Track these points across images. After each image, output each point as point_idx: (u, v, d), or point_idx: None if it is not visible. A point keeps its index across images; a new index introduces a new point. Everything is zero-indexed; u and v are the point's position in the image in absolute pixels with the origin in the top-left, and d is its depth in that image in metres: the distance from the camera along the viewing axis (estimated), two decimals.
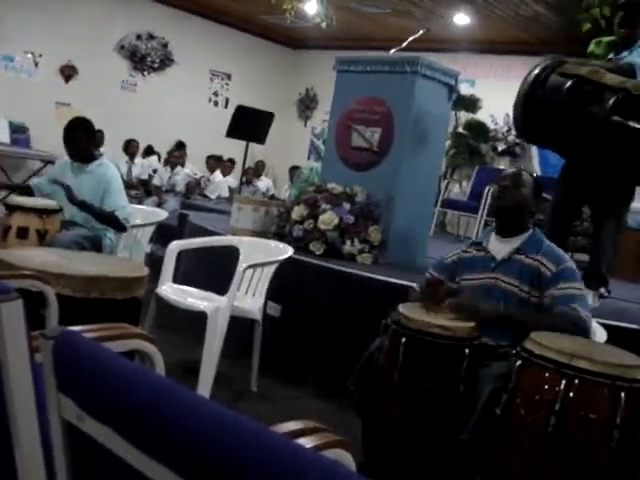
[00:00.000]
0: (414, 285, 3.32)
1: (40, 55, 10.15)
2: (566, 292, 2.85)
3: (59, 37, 10.11)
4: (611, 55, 4.60)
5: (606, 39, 4.73)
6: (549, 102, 4.14)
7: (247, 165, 9.14)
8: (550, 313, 2.83)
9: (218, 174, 10.69)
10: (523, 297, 2.93)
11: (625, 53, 4.45)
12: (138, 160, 10.33)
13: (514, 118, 4.48)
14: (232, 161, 11.16)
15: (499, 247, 3.07)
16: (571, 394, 2.23)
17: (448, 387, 2.67)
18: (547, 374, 2.31)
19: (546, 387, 2.30)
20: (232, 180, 10.99)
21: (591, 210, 4.93)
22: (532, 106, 4.25)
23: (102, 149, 4.75)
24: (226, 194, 10.34)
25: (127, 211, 4.55)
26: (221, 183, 10.52)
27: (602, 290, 4.53)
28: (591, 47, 4.79)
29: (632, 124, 3.88)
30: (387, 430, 2.82)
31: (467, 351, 2.66)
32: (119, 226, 4.52)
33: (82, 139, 4.58)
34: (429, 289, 3.01)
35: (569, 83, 4.08)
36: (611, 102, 3.94)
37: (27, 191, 4.82)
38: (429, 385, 2.69)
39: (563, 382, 2.24)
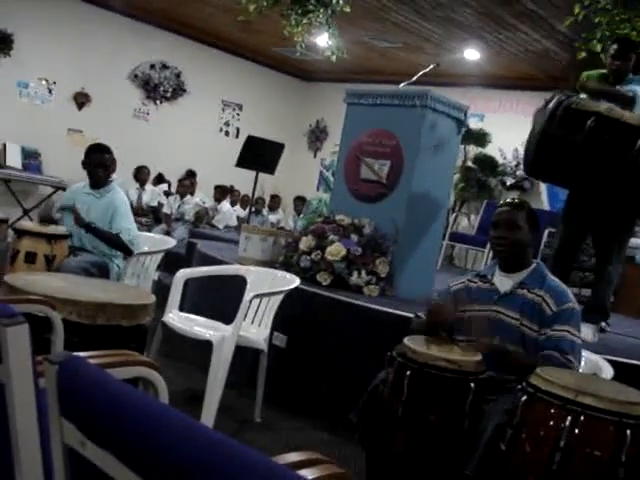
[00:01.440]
0: (418, 313, 3.30)
1: (54, 82, 10.26)
2: (562, 335, 2.84)
3: (73, 64, 10.23)
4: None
5: (596, 72, 4.77)
6: (567, 139, 4.14)
7: (257, 195, 9.18)
8: (538, 355, 2.82)
9: (225, 204, 10.73)
10: (524, 331, 2.92)
11: (617, 87, 4.49)
12: (148, 187, 10.39)
13: (525, 153, 4.49)
14: (232, 190, 11.20)
15: (503, 281, 3.07)
16: (576, 430, 2.21)
17: (453, 421, 2.65)
18: (553, 410, 2.29)
19: (551, 423, 2.28)
20: (240, 210, 11.03)
21: (593, 243, 4.92)
22: (547, 143, 4.25)
23: (114, 175, 4.78)
24: (234, 223, 10.36)
25: (133, 234, 4.58)
26: (228, 213, 10.55)
27: (603, 324, 4.52)
28: (583, 79, 4.80)
29: None
30: (391, 463, 2.80)
31: (473, 385, 2.64)
32: (125, 249, 4.55)
33: (111, 163, 4.66)
34: (432, 316, 3.00)
35: (591, 122, 4.08)
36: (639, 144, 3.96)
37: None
38: (434, 418, 2.67)
39: (569, 418, 2.22)
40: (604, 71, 4.71)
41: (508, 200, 3.22)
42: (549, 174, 4.63)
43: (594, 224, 4.56)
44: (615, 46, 4.58)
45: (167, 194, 10.19)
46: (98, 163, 4.63)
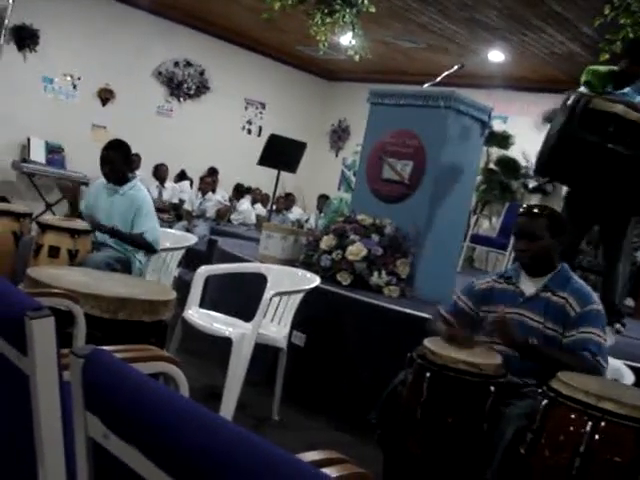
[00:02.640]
0: (439, 309, 3.25)
1: (79, 78, 10.33)
2: (587, 337, 2.81)
3: (98, 61, 10.29)
4: (609, 88, 4.56)
5: (603, 69, 4.69)
6: (585, 142, 4.12)
7: (277, 194, 9.19)
8: (572, 355, 2.80)
9: (245, 202, 10.74)
10: (548, 334, 2.91)
11: (627, 89, 4.42)
12: (169, 184, 10.44)
13: (542, 150, 4.46)
14: (250, 190, 11.23)
15: (528, 283, 3.05)
16: (597, 436, 2.20)
17: (472, 424, 2.64)
18: (573, 415, 2.28)
19: (572, 428, 2.27)
20: (261, 208, 11.05)
21: (603, 245, 4.89)
22: (567, 144, 4.23)
23: (137, 172, 4.80)
24: (252, 221, 10.37)
25: (157, 233, 4.59)
26: (247, 211, 10.56)
27: (617, 326, 4.49)
28: (586, 77, 4.72)
29: None
30: (408, 465, 2.80)
31: (492, 388, 2.64)
32: (149, 248, 4.57)
33: (118, 160, 4.65)
34: (450, 333, 2.96)
35: (610, 128, 4.06)
36: None
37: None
38: (452, 421, 2.66)
39: (589, 424, 2.21)
40: (612, 68, 4.63)
41: (526, 207, 3.15)
42: (562, 173, 4.60)
43: (600, 225, 4.55)
44: (629, 46, 4.53)
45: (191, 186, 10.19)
46: (104, 159, 4.64)
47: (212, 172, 10.95)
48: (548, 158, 4.39)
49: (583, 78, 4.67)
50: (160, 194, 10.10)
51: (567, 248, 4.43)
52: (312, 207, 11.83)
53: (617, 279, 4.50)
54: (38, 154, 9.71)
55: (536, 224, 3.01)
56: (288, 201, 11.27)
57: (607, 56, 6.01)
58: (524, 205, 3.20)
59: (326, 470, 1.23)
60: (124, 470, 0.98)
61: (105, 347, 1.53)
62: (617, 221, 4.46)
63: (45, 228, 4.29)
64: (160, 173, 10.38)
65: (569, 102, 4.28)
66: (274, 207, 9.64)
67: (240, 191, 10.91)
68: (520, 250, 3.06)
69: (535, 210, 3.09)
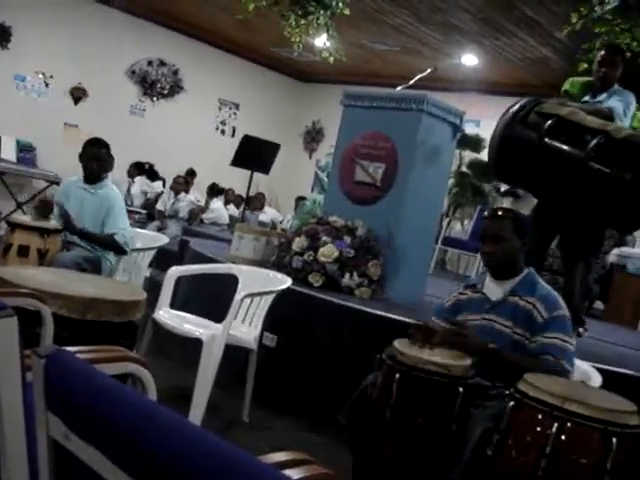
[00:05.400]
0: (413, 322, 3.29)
1: (51, 76, 10.25)
2: (552, 342, 2.83)
3: (71, 59, 10.21)
4: (587, 97, 4.63)
5: (581, 79, 4.77)
6: (525, 141, 4.18)
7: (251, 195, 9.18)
8: (534, 359, 2.82)
9: (217, 202, 10.70)
10: (517, 339, 2.92)
11: (603, 96, 4.49)
12: (138, 178, 10.44)
13: (488, 156, 4.52)
14: (223, 190, 11.21)
15: (494, 289, 3.07)
16: (563, 437, 2.22)
17: (440, 425, 2.65)
18: (539, 416, 2.30)
19: (538, 429, 2.29)
20: (234, 209, 11.01)
21: (561, 250, 4.95)
22: (508, 144, 4.29)
23: (109, 174, 4.78)
24: (225, 222, 10.32)
25: (127, 234, 4.57)
26: (218, 211, 10.51)
27: (580, 330, 4.54)
28: (566, 86, 4.80)
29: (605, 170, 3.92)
30: (378, 466, 2.80)
31: (461, 390, 2.65)
32: (118, 250, 4.54)
33: (104, 157, 4.65)
34: (417, 334, 2.96)
35: (549, 123, 4.11)
36: (592, 145, 3.96)
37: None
38: (421, 422, 2.67)
39: (555, 425, 2.23)
40: (590, 79, 4.71)
41: (491, 210, 3.22)
42: (513, 177, 4.66)
43: (560, 230, 4.59)
44: (602, 52, 4.59)
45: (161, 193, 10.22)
46: (93, 156, 4.63)
47: (190, 173, 10.88)
48: (494, 160, 4.45)
49: (563, 88, 4.74)
50: (129, 188, 10.06)
51: (533, 251, 4.48)
52: (286, 208, 11.83)
53: (575, 286, 4.54)
54: (9, 152, 9.62)
55: (502, 226, 3.03)
56: (257, 201, 11.23)
57: (585, 65, 6.09)
58: (488, 209, 3.24)
59: (291, 471, 1.23)
60: (85, 470, 0.97)
61: (70, 347, 1.52)
62: (575, 226, 4.49)
63: (15, 227, 4.25)
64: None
65: (515, 106, 4.35)
66: (246, 207, 9.62)
67: (215, 190, 10.87)
68: (486, 253, 3.09)
69: (500, 213, 3.13)
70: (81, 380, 1.01)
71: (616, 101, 4.39)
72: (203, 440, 0.85)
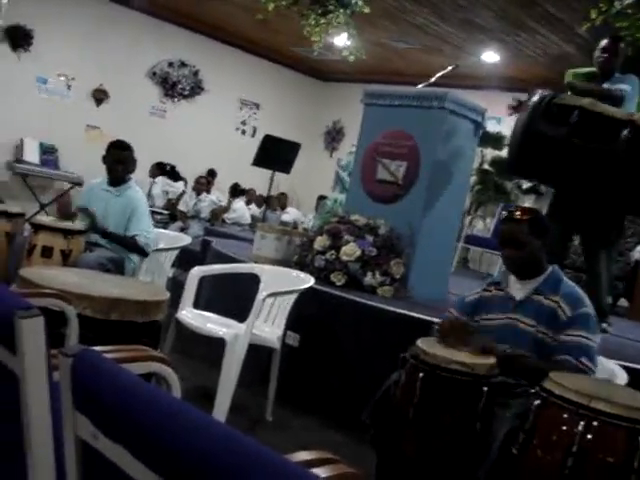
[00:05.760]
0: (436, 321, 3.29)
1: (73, 78, 10.32)
2: (574, 339, 2.80)
3: (92, 61, 10.28)
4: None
5: (583, 70, 4.75)
6: (550, 135, 4.15)
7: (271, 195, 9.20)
8: (551, 361, 2.79)
9: (239, 201, 10.73)
10: (540, 338, 2.89)
11: (606, 84, 4.48)
12: (159, 178, 10.48)
13: (509, 151, 4.49)
14: (245, 190, 11.24)
15: (518, 288, 3.03)
16: (589, 436, 2.20)
17: (465, 424, 2.64)
18: (565, 415, 2.28)
19: (564, 428, 2.27)
20: (256, 208, 11.04)
21: (583, 244, 4.91)
22: (531, 138, 4.25)
23: (133, 176, 4.81)
24: (247, 221, 10.36)
25: (150, 236, 4.59)
26: (240, 210, 10.55)
27: (604, 325, 4.49)
28: (569, 77, 4.78)
29: None
30: (401, 465, 2.80)
31: (485, 389, 2.63)
32: (140, 251, 4.57)
33: (129, 160, 4.68)
34: (443, 332, 2.95)
35: (574, 116, 4.08)
36: (622, 137, 3.94)
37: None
38: (445, 421, 2.66)
39: (581, 424, 2.21)
40: (593, 69, 4.70)
41: (508, 213, 3.10)
42: (533, 171, 4.63)
43: (580, 224, 4.56)
44: (606, 40, 4.60)
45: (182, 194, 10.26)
46: (117, 159, 4.65)
47: (210, 173, 10.95)
48: (516, 156, 4.42)
49: (566, 80, 4.72)
50: (150, 189, 10.11)
51: (554, 247, 4.44)
52: (307, 208, 11.84)
53: (599, 281, 4.50)
54: (32, 154, 9.71)
55: (519, 230, 2.97)
56: (279, 201, 11.27)
57: None
58: (504, 212, 3.17)
59: (317, 470, 1.22)
60: (113, 470, 0.97)
61: (96, 347, 1.53)
62: (596, 220, 4.46)
63: (38, 228, 4.28)
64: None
65: (533, 99, 4.32)
66: (268, 207, 9.65)
67: (237, 190, 10.91)
68: (506, 258, 3.05)
69: (516, 216, 3.03)
70: (108, 379, 1.01)
71: (624, 85, 4.41)
72: (230, 438, 0.85)
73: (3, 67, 9.53)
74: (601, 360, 3.08)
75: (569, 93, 4.49)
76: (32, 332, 1.22)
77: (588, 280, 4.65)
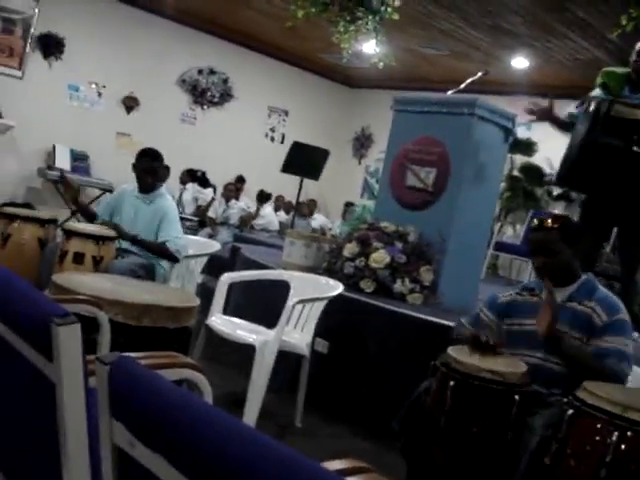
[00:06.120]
0: (462, 320, 3.27)
1: (104, 86, 10.43)
2: (612, 346, 2.77)
3: (122, 69, 10.39)
4: (625, 90, 4.51)
5: (618, 70, 4.64)
6: (610, 148, 4.11)
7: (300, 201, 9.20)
8: (600, 361, 2.77)
9: (267, 208, 10.76)
10: None
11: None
12: (189, 185, 10.54)
13: (564, 163, 4.44)
14: (270, 196, 11.24)
15: None
16: (623, 446, 2.17)
17: (496, 433, 2.62)
18: (599, 425, 2.25)
19: (598, 438, 2.24)
20: (284, 215, 11.06)
21: (620, 251, 4.84)
22: (590, 150, 4.21)
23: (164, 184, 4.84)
24: (275, 228, 10.38)
25: (180, 242, 4.61)
26: (268, 216, 10.57)
27: (636, 335, 4.43)
28: (602, 78, 4.64)
29: None
30: (432, 474, 2.78)
31: (517, 397, 2.61)
32: (170, 257, 4.59)
33: (159, 170, 4.71)
34: (474, 345, 2.91)
35: (637, 132, 4.06)
36: None
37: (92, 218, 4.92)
38: (476, 430, 2.64)
39: (615, 434, 2.18)
40: (627, 70, 4.59)
41: (538, 221, 3.04)
42: (584, 182, 4.57)
43: (619, 231, 4.51)
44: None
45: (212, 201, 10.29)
46: (146, 169, 4.69)
47: (239, 180, 10.99)
48: (572, 166, 4.37)
49: (599, 80, 4.63)
50: (181, 195, 10.17)
51: (586, 255, 4.39)
52: (335, 214, 11.84)
53: (635, 290, 4.45)
54: (63, 161, 9.81)
55: (550, 238, 2.93)
56: (310, 207, 11.27)
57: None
58: (535, 220, 3.11)
59: (350, 479, 1.22)
60: (150, 478, 0.98)
61: (130, 354, 1.54)
62: (636, 228, 4.42)
63: (70, 234, 4.32)
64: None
65: (591, 108, 4.26)
66: (297, 213, 9.66)
67: (263, 196, 10.95)
68: (537, 267, 3.02)
69: (548, 223, 2.98)
70: (144, 386, 1.02)
71: None
72: (266, 445, 0.85)
73: (35, 75, 9.66)
74: (635, 369, 3.04)
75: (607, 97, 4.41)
76: (69, 339, 1.23)
77: (623, 287, 4.60)
